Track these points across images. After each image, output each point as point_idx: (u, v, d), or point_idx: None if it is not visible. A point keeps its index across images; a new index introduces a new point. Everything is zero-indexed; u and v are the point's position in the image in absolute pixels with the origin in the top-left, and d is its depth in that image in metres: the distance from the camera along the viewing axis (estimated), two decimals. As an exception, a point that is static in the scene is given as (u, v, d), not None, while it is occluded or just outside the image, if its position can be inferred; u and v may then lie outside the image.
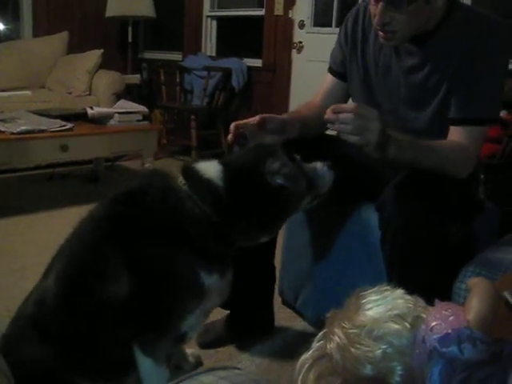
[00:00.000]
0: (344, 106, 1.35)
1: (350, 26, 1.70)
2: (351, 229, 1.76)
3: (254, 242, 1.36)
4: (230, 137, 1.49)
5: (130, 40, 5.17)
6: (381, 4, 1.40)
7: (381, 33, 1.48)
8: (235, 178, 1.25)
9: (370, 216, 1.59)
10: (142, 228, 1.21)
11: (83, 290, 1.23)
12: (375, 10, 1.43)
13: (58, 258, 1.30)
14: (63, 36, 4.84)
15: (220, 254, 1.28)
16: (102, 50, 4.56)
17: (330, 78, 1.79)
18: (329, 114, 1.29)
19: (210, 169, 1.26)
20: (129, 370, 1.28)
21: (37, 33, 5.02)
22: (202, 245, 1.23)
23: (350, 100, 1.77)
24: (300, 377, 0.78)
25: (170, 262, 1.21)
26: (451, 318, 0.69)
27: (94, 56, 4.53)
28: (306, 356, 0.79)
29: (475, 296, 0.73)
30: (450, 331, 0.67)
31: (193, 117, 4.41)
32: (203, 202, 1.22)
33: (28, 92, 4.26)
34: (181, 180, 1.25)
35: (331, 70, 1.78)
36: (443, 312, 0.71)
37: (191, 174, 1.26)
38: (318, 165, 1.37)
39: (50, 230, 2.85)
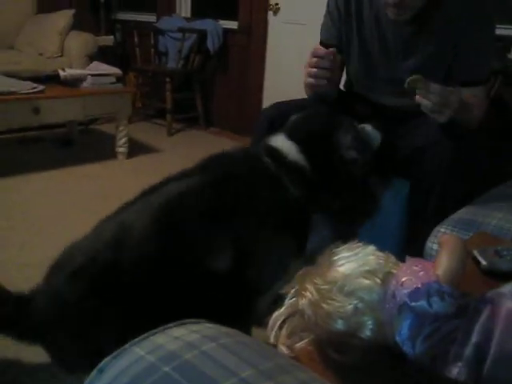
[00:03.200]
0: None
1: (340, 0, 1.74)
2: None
3: (327, 211, 1.46)
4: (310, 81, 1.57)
5: (102, 0, 5.02)
6: None
7: (393, 9, 1.54)
8: (314, 158, 1.32)
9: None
10: (248, 207, 1.26)
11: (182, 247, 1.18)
12: None
13: (148, 203, 1.23)
14: (31, -6, 4.68)
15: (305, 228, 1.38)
16: (73, 10, 4.43)
17: None
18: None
19: (291, 150, 1.32)
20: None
21: (3, -9, 4.84)
22: (292, 221, 1.32)
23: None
24: (273, 333, 0.79)
25: (273, 237, 1.28)
26: (421, 273, 0.71)
27: (65, 16, 4.40)
28: (279, 313, 0.80)
29: (445, 252, 0.75)
30: (419, 286, 0.68)
31: (168, 79, 4.33)
32: (292, 183, 1.30)
33: (-4, 53, 4.14)
34: (269, 162, 1.32)
35: (325, 46, 1.75)
36: (413, 267, 0.72)
37: (276, 157, 1.32)
38: (367, 127, 1.43)
39: (24, 194, 2.80)
